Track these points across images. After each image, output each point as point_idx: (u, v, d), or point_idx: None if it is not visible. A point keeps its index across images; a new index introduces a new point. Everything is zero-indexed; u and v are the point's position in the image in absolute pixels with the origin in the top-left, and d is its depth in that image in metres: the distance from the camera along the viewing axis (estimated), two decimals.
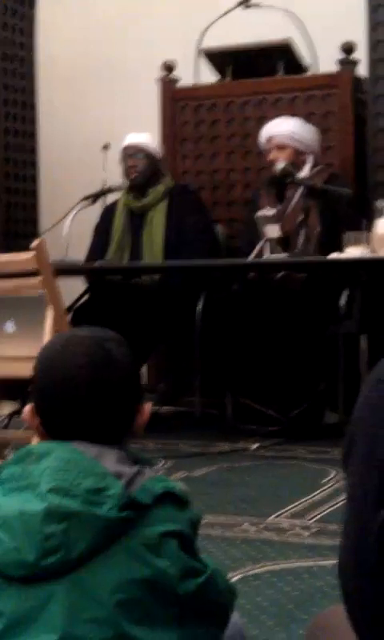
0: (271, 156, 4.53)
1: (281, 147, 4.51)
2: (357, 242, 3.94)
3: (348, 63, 4.82)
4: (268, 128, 4.60)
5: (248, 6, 4.95)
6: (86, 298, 4.71)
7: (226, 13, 4.94)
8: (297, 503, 3.13)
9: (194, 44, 4.99)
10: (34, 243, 3.00)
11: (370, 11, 4.83)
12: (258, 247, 4.28)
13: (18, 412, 4.21)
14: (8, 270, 3.23)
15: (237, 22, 4.98)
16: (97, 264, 4.65)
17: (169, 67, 5.17)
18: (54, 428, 1.32)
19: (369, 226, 4.20)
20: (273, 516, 2.98)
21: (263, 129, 4.63)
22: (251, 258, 4.29)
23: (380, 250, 3.94)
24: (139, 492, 1.21)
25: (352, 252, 3.95)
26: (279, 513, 3.02)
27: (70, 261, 4.51)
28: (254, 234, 4.45)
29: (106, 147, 4.96)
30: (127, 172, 4.76)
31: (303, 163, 4.52)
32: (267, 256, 4.23)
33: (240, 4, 4.96)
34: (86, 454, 1.24)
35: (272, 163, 4.51)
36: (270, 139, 4.55)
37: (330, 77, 4.87)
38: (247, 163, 5.06)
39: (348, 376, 4.06)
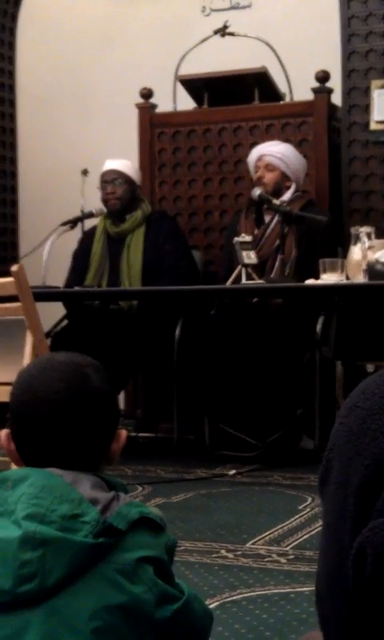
0: (259, 173, 4.56)
1: (270, 167, 4.54)
2: (332, 269, 3.97)
3: (322, 92, 4.88)
4: (261, 147, 4.63)
5: (224, 35, 5.00)
6: (64, 323, 4.70)
7: (202, 40, 4.99)
8: (274, 529, 3.12)
9: (172, 71, 5.03)
10: (14, 268, 3.00)
11: (344, 40, 4.90)
12: (235, 273, 4.31)
13: None
14: None
15: (213, 49, 5.03)
16: (75, 289, 4.66)
17: (146, 93, 5.21)
18: (29, 453, 1.32)
19: (344, 253, 4.24)
20: (250, 542, 2.98)
21: (255, 147, 4.67)
22: (228, 283, 4.31)
23: (355, 277, 3.97)
24: (115, 518, 1.21)
25: (327, 278, 3.98)
26: (256, 539, 3.01)
27: (49, 285, 4.52)
28: (232, 259, 4.47)
29: (84, 173, 4.98)
30: (106, 198, 4.77)
31: (287, 188, 4.55)
32: (244, 282, 4.25)
33: (216, 32, 5.01)
34: (62, 479, 1.24)
35: (259, 180, 4.54)
36: (260, 157, 4.57)
37: (304, 105, 4.92)
38: (224, 190, 5.10)
39: (324, 402, 4.08)
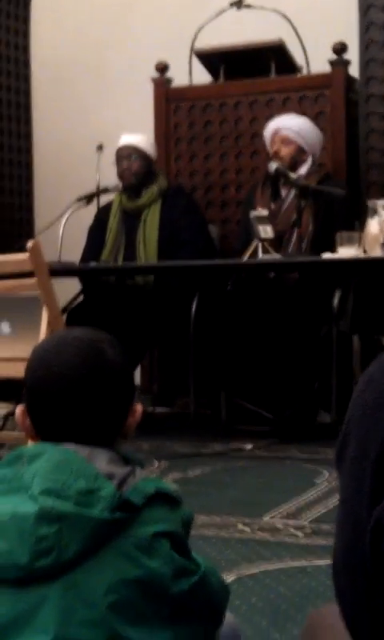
0: (275, 147, 4.53)
1: (286, 141, 4.51)
2: (349, 242, 3.95)
3: (340, 64, 4.83)
4: (277, 120, 4.58)
5: (241, 7, 4.95)
6: (80, 299, 4.71)
7: (219, 13, 4.94)
8: (291, 503, 3.13)
9: (187, 44, 5.00)
10: (29, 244, 2.99)
11: (362, 12, 4.84)
12: (251, 247, 4.29)
13: (12, 413, 4.21)
14: (3, 271, 3.22)
15: (229, 22, 4.98)
16: (91, 265, 4.65)
17: (162, 68, 5.17)
18: (45, 428, 1.32)
19: (361, 226, 4.22)
20: (267, 516, 2.99)
21: (271, 121, 4.62)
22: (245, 257, 4.29)
23: (372, 250, 3.95)
24: (131, 493, 1.21)
25: (344, 252, 3.96)
26: (273, 513, 3.02)
27: (64, 261, 4.52)
28: (249, 233, 4.45)
29: (100, 148, 4.96)
30: (122, 174, 4.76)
31: (303, 162, 4.52)
32: (260, 256, 4.24)
33: (233, 4, 4.96)
34: (78, 454, 1.24)
35: (275, 154, 4.51)
36: (277, 131, 4.54)
37: (322, 77, 4.88)
38: (240, 164, 5.07)
39: (341, 376, 4.07)
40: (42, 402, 1.31)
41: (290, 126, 4.52)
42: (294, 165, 4.49)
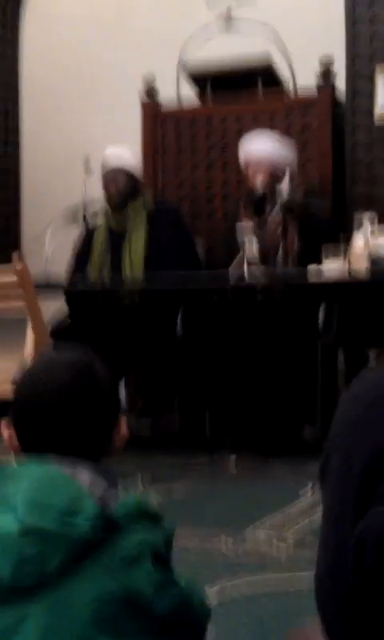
0: (250, 173, 4.54)
1: (259, 166, 4.52)
2: (334, 256, 3.96)
3: (326, 77, 4.85)
4: (244, 147, 4.60)
5: (229, 20, 4.98)
6: (66, 312, 4.69)
7: (206, 26, 4.96)
8: (274, 516, 3.13)
9: (175, 57, 5.01)
10: (18, 266, 3.00)
11: (348, 26, 4.87)
12: (236, 259, 4.29)
13: None
14: None
15: (218, 39, 5.00)
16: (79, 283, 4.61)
17: (149, 81, 5.18)
18: (30, 442, 1.34)
19: (347, 239, 4.23)
20: (250, 529, 2.98)
21: (241, 145, 4.64)
22: (231, 269, 4.29)
23: (357, 263, 3.97)
24: (113, 509, 1.22)
25: (330, 265, 3.97)
26: (257, 526, 3.02)
27: (52, 276, 4.49)
28: (234, 244, 4.45)
29: (87, 159, 4.96)
30: (106, 187, 4.71)
31: (283, 174, 4.53)
32: (246, 268, 4.23)
33: (220, 17, 4.98)
34: (62, 473, 1.25)
35: (253, 179, 4.52)
36: (247, 158, 4.57)
37: (308, 90, 4.90)
38: (226, 176, 5.08)
39: (326, 390, 4.08)
40: (31, 415, 1.33)
41: (256, 152, 4.53)
42: (274, 184, 4.50)
